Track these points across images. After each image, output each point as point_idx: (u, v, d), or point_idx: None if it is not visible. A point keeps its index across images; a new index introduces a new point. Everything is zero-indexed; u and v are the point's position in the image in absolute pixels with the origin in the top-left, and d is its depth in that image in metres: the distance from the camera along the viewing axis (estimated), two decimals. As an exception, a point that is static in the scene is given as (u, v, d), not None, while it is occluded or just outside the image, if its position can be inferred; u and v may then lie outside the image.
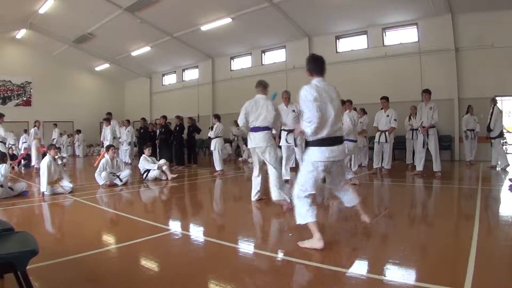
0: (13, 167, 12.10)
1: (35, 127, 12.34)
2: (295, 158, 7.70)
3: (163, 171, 8.49)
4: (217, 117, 10.19)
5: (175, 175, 8.73)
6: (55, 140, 14.33)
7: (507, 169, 8.80)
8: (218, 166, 9.40)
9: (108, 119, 11.62)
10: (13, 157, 12.72)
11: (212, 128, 10.40)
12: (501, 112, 9.32)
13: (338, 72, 13.69)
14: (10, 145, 12.81)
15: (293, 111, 7.15)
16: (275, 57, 16.32)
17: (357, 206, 3.56)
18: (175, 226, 4.34)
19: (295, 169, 7.98)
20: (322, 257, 3.03)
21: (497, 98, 9.48)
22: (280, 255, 3.16)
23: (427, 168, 8.26)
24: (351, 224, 4.52)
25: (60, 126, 17.58)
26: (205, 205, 6.21)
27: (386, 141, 8.56)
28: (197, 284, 2.59)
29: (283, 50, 15.88)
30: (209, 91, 18.56)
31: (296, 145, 7.16)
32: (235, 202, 6.23)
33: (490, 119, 9.10)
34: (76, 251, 3.18)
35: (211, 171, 9.74)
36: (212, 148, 9.82)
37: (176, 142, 11.63)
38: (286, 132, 7.21)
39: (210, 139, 10.28)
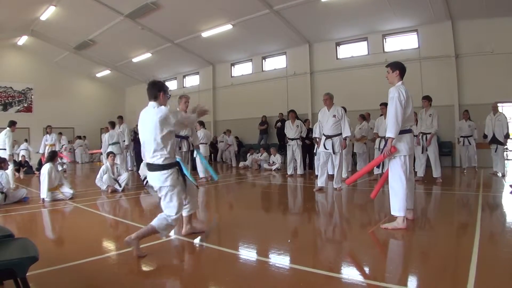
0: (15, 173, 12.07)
1: (47, 134, 11.58)
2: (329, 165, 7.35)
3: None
4: (200, 123, 10.07)
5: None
6: (64, 147, 14.13)
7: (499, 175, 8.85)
8: (201, 173, 9.30)
9: (121, 117, 11.46)
10: (19, 164, 12.64)
11: None
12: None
13: (338, 78, 13.76)
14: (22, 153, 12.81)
15: (334, 116, 6.78)
16: (276, 63, 16.37)
17: None
18: (175, 232, 4.32)
19: (331, 178, 7.42)
20: (316, 261, 3.01)
21: (498, 104, 9.42)
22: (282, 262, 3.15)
23: (428, 174, 8.27)
24: (350, 231, 4.50)
25: (62, 132, 17.55)
26: (206, 210, 6.19)
27: None
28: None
29: (284, 56, 15.93)
30: (210, 97, 18.59)
31: (334, 152, 6.83)
32: (241, 209, 6.21)
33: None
34: (76, 258, 3.18)
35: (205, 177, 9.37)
36: (194, 155, 9.45)
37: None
38: (325, 138, 6.89)
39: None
